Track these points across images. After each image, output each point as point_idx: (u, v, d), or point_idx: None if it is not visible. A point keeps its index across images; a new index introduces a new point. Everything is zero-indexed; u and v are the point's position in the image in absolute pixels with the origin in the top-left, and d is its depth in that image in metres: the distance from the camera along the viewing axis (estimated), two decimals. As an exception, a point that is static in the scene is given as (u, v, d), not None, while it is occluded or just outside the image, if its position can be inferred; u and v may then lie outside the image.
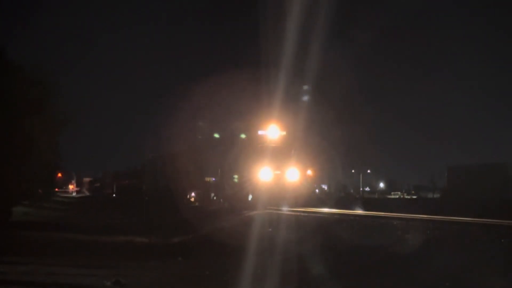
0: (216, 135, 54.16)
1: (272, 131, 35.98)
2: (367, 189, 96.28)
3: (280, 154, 35.68)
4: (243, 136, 38.04)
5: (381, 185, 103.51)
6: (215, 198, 45.44)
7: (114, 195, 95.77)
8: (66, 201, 74.94)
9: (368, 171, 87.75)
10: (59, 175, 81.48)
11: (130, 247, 22.66)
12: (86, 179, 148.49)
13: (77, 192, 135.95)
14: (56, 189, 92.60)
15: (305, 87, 36.08)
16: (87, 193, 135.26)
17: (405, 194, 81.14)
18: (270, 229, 24.06)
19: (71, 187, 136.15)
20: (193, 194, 53.37)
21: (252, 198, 35.88)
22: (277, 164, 35.62)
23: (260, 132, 36.24)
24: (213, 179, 46.18)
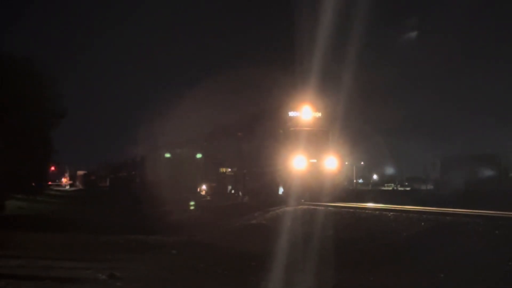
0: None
1: (306, 112, 31.04)
2: (360, 181, 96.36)
3: (316, 139, 30.65)
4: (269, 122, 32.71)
5: (375, 177, 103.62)
6: (233, 191, 39.58)
7: (107, 189, 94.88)
8: (59, 195, 74.85)
9: (362, 162, 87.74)
10: (52, 168, 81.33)
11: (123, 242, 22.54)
12: (80, 172, 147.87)
13: (71, 185, 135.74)
14: (49, 183, 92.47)
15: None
16: (80, 187, 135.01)
17: (399, 185, 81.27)
18: (309, 229, 20.70)
19: (64, 180, 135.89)
20: (204, 187, 47.33)
21: (283, 192, 30.90)
22: (312, 152, 30.41)
23: (291, 114, 31.21)
24: (229, 169, 40.58)
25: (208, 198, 44.13)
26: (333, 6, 27.82)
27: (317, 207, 25.48)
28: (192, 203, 37.80)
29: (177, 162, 50.72)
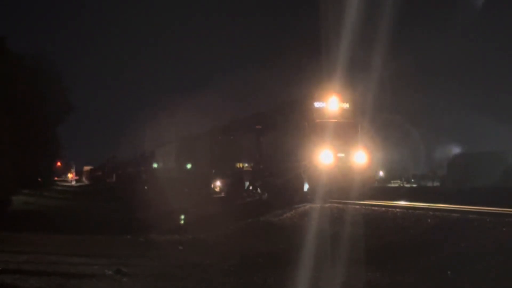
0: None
1: (333, 103, 28.68)
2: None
3: (344, 132, 28.36)
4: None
5: (381, 173, 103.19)
6: (250, 187, 36.59)
7: (114, 184, 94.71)
8: (65, 190, 75.06)
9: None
10: (59, 164, 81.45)
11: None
12: (87, 168, 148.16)
13: (77, 180, 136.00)
14: (56, 178, 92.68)
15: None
16: (86, 182, 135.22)
17: (405, 182, 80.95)
18: (334, 229, 19.42)
19: (70, 175, 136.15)
20: (218, 183, 43.65)
21: (309, 188, 28.32)
22: (340, 145, 28.07)
23: (317, 105, 28.76)
24: (247, 164, 37.48)
25: (222, 194, 41.91)
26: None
27: (346, 206, 23.94)
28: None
29: (189, 155, 49.02)
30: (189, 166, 48.67)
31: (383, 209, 21.52)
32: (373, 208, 22.15)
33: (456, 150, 53.95)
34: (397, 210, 20.74)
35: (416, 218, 18.92)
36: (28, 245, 18.21)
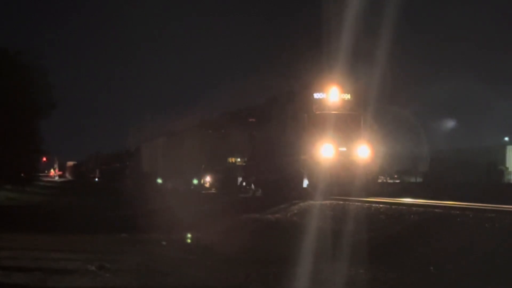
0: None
1: (334, 93, 26.98)
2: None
3: (346, 124, 26.90)
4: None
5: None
6: (244, 183, 34.97)
7: (96, 180, 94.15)
8: (48, 186, 74.66)
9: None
10: (44, 159, 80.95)
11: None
12: (70, 163, 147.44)
13: (60, 176, 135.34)
14: (39, 174, 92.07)
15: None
16: (70, 178, 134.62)
17: (388, 178, 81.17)
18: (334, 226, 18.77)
19: (53, 171, 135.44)
20: (208, 178, 41.81)
21: (308, 184, 26.84)
22: (341, 139, 26.58)
23: (317, 96, 27.13)
24: (239, 159, 35.90)
25: (213, 190, 40.10)
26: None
27: (347, 202, 22.79)
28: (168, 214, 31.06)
29: (176, 151, 47.23)
30: (177, 161, 47.18)
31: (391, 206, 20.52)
32: (370, 205, 21.26)
33: (438, 145, 54.20)
34: (394, 206, 20.14)
35: (399, 213, 18.86)
36: (11, 241, 18.07)
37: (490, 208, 17.69)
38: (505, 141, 52.17)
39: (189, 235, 22.14)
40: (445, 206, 18.98)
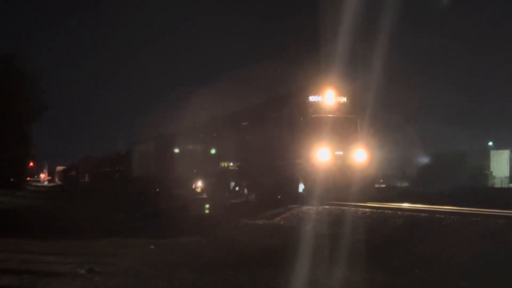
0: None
1: (330, 97, 26.47)
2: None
3: (343, 128, 26.39)
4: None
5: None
6: (236, 188, 34.20)
7: (87, 185, 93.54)
8: (38, 190, 74.33)
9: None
10: (31, 164, 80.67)
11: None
12: (59, 168, 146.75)
13: (49, 181, 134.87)
14: (28, 178, 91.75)
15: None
16: (59, 182, 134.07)
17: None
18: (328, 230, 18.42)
19: (42, 176, 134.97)
20: (199, 183, 40.86)
21: (304, 189, 26.49)
22: (338, 142, 26.07)
23: (312, 99, 26.62)
24: (232, 164, 35.16)
25: (205, 195, 39.09)
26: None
27: (345, 207, 22.46)
28: (156, 219, 29.45)
29: (166, 154, 46.64)
30: (167, 165, 46.47)
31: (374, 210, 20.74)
32: (366, 210, 21.14)
33: (425, 150, 54.47)
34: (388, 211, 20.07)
35: (384, 218, 19.15)
36: (0, 244, 18.04)
37: (475, 212, 17.83)
38: (489, 146, 52.50)
39: (176, 239, 21.94)
40: (433, 211, 19.04)
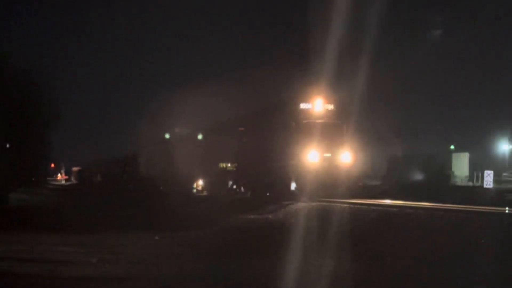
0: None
1: (319, 104, 26.71)
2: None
3: (331, 132, 26.36)
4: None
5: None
6: (234, 186, 34.29)
7: (99, 184, 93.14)
8: (56, 189, 74.07)
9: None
10: (52, 165, 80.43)
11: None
12: (75, 168, 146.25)
13: (66, 180, 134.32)
14: (48, 178, 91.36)
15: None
16: (75, 181, 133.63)
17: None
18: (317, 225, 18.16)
19: (59, 176, 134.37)
20: (200, 182, 40.79)
21: (296, 187, 26.74)
22: (326, 145, 26.12)
23: (303, 106, 26.87)
24: (230, 164, 35.06)
25: (205, 193, 38.99)
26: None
27: (331, 204, 22.56)
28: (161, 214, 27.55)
29: (170, 156, 44.62)
30: (171, 166, 44.74)
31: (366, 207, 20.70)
32: (357, 207, 21.10)
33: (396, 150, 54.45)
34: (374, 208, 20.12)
35: (362, 213, 19.32)
36: (23, 236, 17.98)
37: (439, 207, 17.89)
38: (451, 149, 52.61)
39: (180, 233, 21.79)
40: (415, 207, 18.94)
